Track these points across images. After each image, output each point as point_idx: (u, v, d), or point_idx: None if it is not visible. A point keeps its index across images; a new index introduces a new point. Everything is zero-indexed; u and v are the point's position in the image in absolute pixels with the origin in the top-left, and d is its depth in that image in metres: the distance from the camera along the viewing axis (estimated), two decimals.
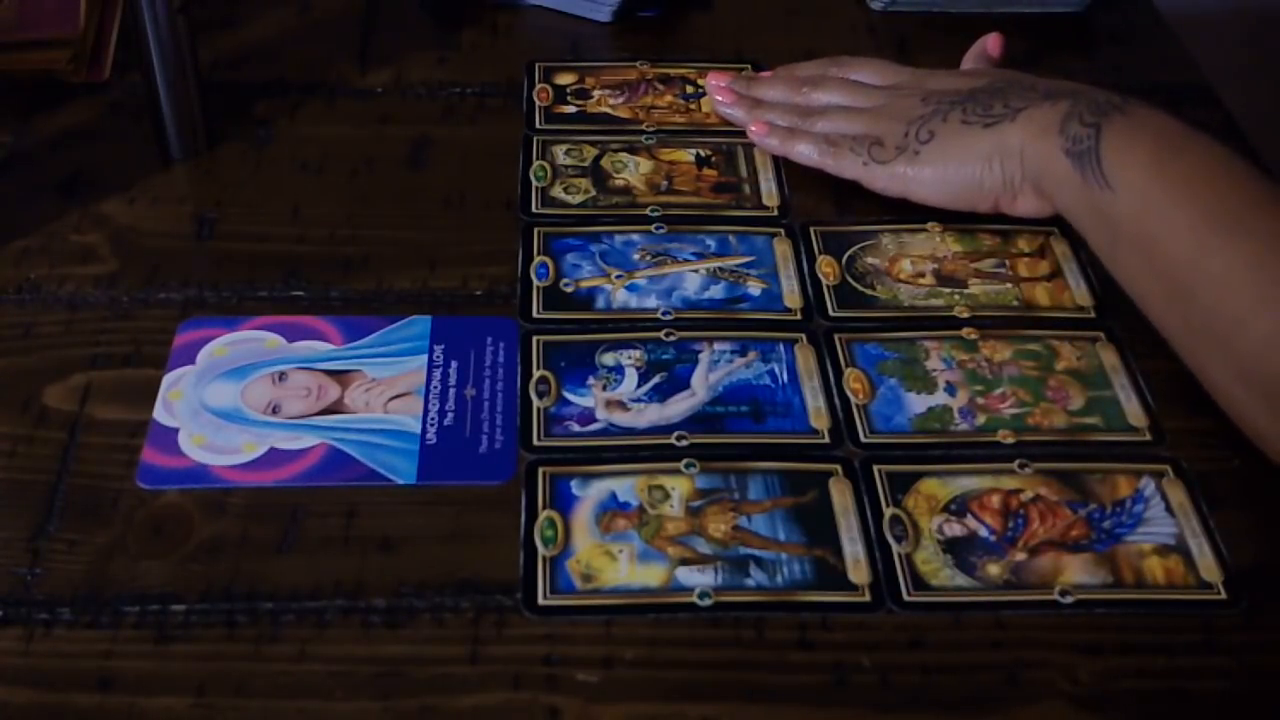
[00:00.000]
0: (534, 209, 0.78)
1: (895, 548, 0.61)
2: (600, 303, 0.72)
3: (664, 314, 0.71)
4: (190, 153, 0.81)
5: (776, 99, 0.83)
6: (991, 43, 0.84)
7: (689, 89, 0.87)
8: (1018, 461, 0.65)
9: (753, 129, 0.81)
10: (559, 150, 0.82)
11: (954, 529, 0.62)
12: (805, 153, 0.79)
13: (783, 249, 0.76)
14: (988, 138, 0.73)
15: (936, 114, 0.76)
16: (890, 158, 0.76)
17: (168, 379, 0.67)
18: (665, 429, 0.66)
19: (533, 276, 0.73)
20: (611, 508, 0.62)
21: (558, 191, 0.79)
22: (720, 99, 0.84)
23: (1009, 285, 0.74)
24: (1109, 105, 0.69)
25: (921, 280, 0.74)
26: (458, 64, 0.90)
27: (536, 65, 0.89)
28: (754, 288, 0.73)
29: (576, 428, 0.66)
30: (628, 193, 0.79)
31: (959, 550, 0.61)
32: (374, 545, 0.61)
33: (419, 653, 0.57)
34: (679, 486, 0.63)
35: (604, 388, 0.67)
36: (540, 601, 0.59)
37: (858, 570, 0.60)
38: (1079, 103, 0.70)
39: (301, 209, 0.78)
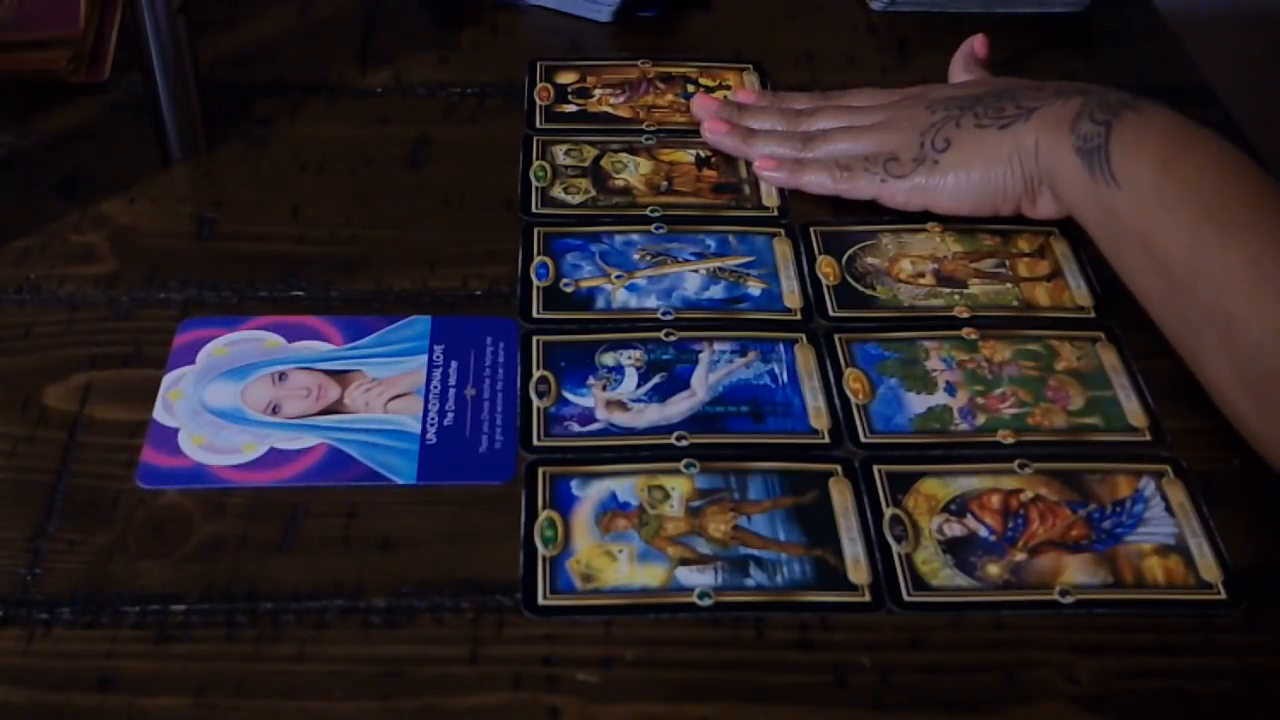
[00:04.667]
0: (534, 209, 0.78)
1: (895, 548, 0.61)
2: (600, 303, 0.72)
3: (664, 314, 0.71)
4: (190, 153, 0.81)
5: (770, 128, 0.81)
6: (978, 44, 0.83)
7: (690, 88, 0.87)
8: (1018, 461, 0.65)
9: (758, 165, 0.79)
10: (559, 150, 0.82)
11: (954, 529, 0.62)
12: (817, 181, 0.77)
13: (783, 249, 0.76)
14: (1006, 139, 0.73)
15: (948, 120, 0.75)
16: (908, 171, 0.75)
17: (168, 379, 0.68)
18: (665, 429, 0.66)
19: (533, 276, 0.73)
20: (611, 508, 0.62)
21: (558, 191, 0.79)
22: (711, 129, 0.81)
23: (1009, 285, 0.74)
24: (1119, 104, 0.69)
25: (921, 280, 0.74)
26: (458, 64, 0.90)
27: (538, 64, 0.89)
28: (754, 288, 0.73)
29: (576, 428, 0.66)
30: (628, 193, 0.79)
31: (959, 550, 0.61)
32: (374, 545, 0.61)
33: (419, 653, 0.57)
34: (679, 486, 0.63)
35: (604, 388, 0.67)
36: (540, 601, 0.59)
37: (858, 570, 0.60)
38: (1090, 101, 0.70)
39: (301, 209, 0.78)
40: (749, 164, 0.81)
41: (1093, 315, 0.72)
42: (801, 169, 0.78)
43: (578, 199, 0.79)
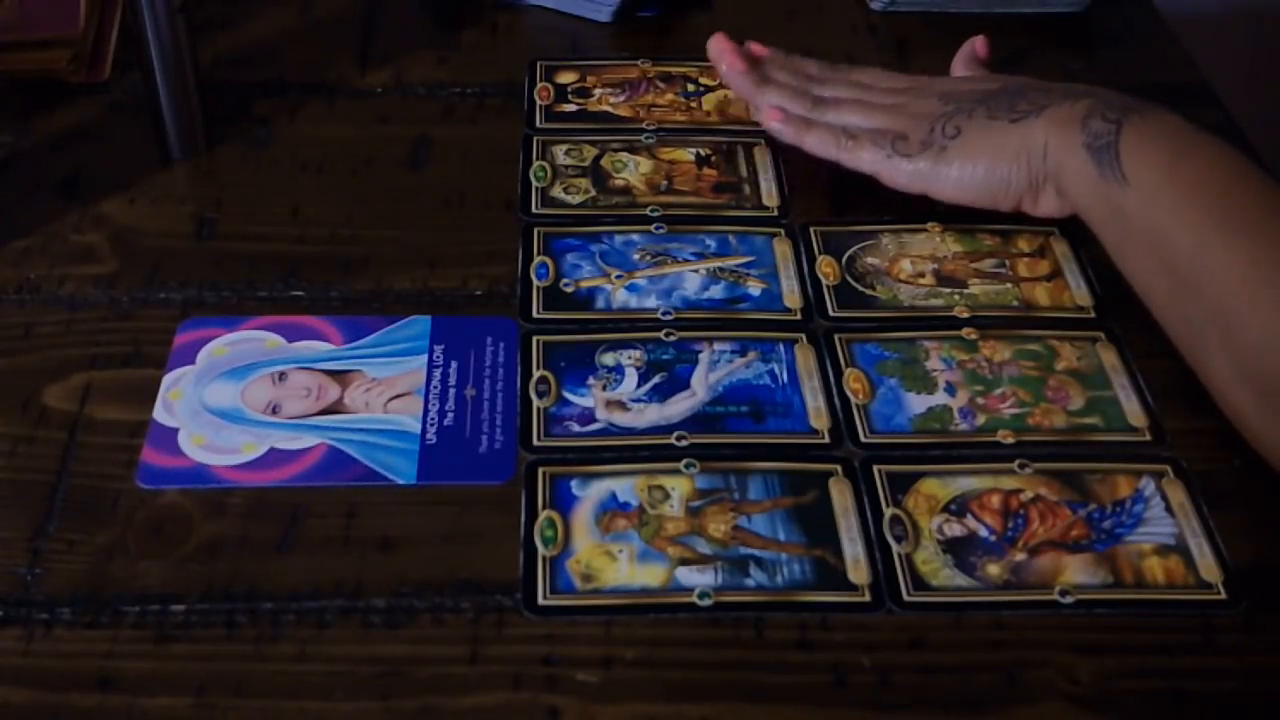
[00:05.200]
0: (534, 209, 0.78)
1: (895, 548, 0.61)
2: (600, 303, 0.72)
3: (664, 314, 0.71)
4: (190, 153, 0.81)
5: (784, 82, 0.81)
6: (979, 44, 0.83)
7: (690, 87, 0.87)
8: (1018, 461, 0.65)
9: (766, 115, 0.79)
10: (559, 150, 0.82)
11: (954, 529, 0.62)
12: (821, 142, 0.77)
13: (783, 249, 0.76)
14: (1015, 134, 0.73)
15: (960, 111, 0.75)
16: (915, 152, 0.75)
17: (168, 379, 0.68)
18: (665, 429, 0.66)
19: (533, 276, 0.73)
20: (611, 508, 0.62)
21: (558, 191, 0.79)
22: (730, 64, 0.81)
23: (1009, 285, 0.74)
24: (1126, 106, 0.70)
25: (921, 280, 0.74)
26: (458, 64, 0.90)
27: (538, 64, 0.89)
28: (754, 288, 0.73)
29: (576, 428, 0.66)
30: (628, 193, 0.79)
31: (959, 550, 0.61)
32: (374, 545, 0.61)
33: (419, 653, 0.57)
34: (679, 486, 0.63)
35: (604, 388, 0.67)
36: (540, 601, 0.59)
37: (858, 570, 0.60)
38: (1098, 102, 0.71)
39: (301, 209, 0.78)
40: (749, 161, 0.81)
41: (1093, 315, 0.72)
42: (808, 128, 0.78)
43: (578, 199, 0.79)
